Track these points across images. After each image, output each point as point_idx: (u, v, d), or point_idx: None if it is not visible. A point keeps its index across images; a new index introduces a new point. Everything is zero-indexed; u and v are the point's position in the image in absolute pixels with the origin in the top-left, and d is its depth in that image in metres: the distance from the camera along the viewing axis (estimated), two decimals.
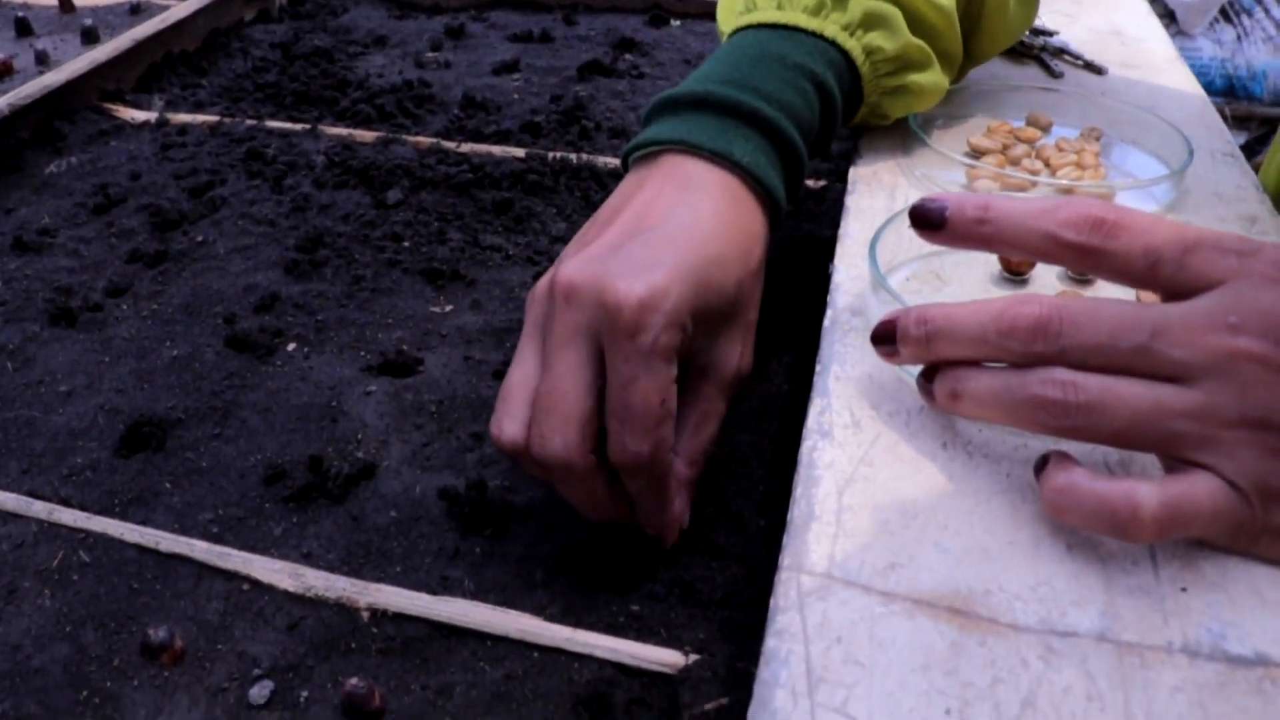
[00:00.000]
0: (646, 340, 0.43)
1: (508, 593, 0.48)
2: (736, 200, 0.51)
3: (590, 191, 0.79)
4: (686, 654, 0.45)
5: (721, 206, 0.50)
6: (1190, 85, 0.79)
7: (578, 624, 0.46)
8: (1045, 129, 0.69)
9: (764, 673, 0.34)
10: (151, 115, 0.90)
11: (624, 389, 0.44)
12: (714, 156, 0.51)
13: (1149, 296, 0.47)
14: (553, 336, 0.45)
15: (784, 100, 0.55)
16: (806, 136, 0.57)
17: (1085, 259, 0.40)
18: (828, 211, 0.76)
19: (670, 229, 0.47)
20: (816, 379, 0.47)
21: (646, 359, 0.43)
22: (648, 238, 0.47)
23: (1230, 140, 0.70)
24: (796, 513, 0.40)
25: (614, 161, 0.83)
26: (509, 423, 0.46)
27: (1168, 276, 0.39)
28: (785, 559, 0.38)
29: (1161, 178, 0.61)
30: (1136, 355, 0.38)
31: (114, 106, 0.91)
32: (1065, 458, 0.39)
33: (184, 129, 0.88)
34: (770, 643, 0.35)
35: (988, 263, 0.55)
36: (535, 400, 0.45)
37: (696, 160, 0.51)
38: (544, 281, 0.48)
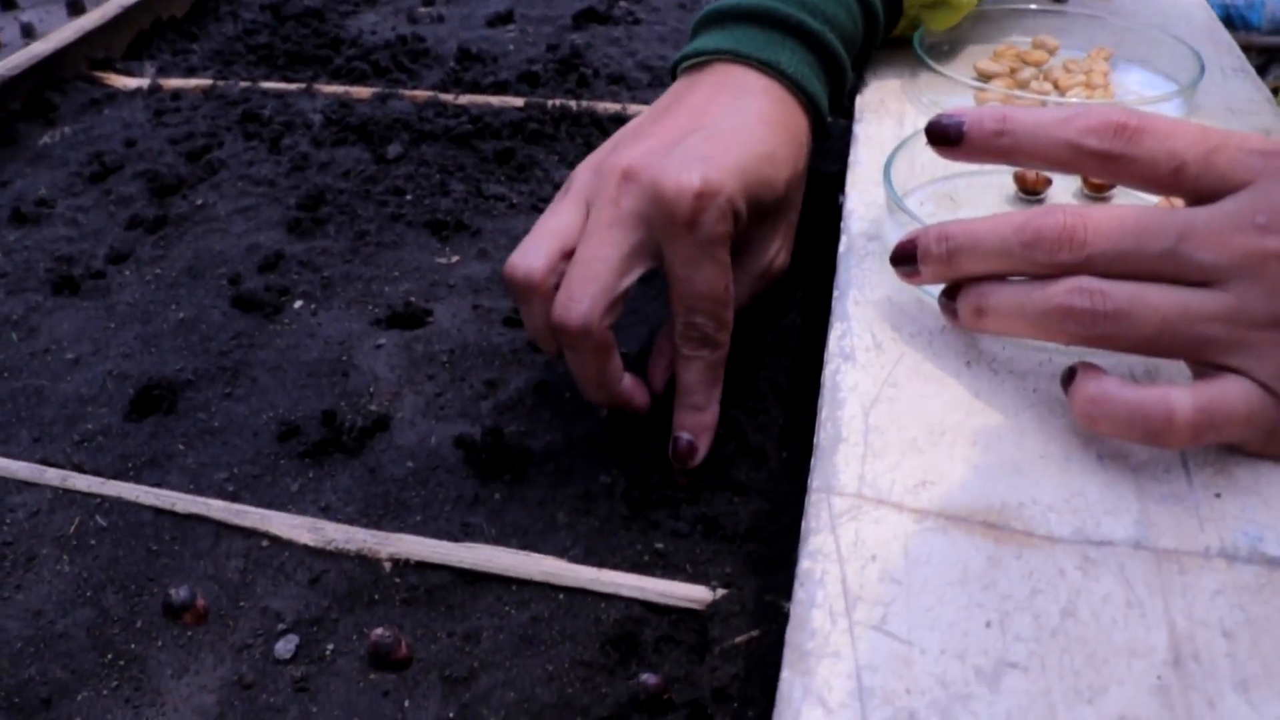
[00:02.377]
0: (704, 231, 0.45)
1: (530, 536, 0.48)
2: (783, 106, 0.53)
3: (592, 138, 0.78)
4: (714, 589, 0.44)
5: (770, 111, 0.52)
6: (1197, 3, 0.78)
7: (602, 564, 0.46)
8: (1052, 52, 0.67)
9: (800, 594, 0.34)
10: (143, 82, 0.89)
11: (689, 278, 0.46)
12: (762, 66, 0.53)
13: (1167, 206, 0.46)
14: (603, 214, 0.47)
15: (828, 14, 0.56)
16: (849, 48, 0.58)
17: (1108, 166, 0.39)
18: (832, 148, 0.75)
19: (723, 127, 0.50)
20: (835, 304, 0.47)
21: (706, 248, 0.46)
22: (702, 135, 0.49)
23: (1240, 56, 0.69)
24: (823, 435, 0.40)
25: (615, 107, 0.82)
26: (534, 256, 0.47)
27: (1192, 180, 0.38)
28: (814, 481, 0.38)
29: (1172, 93, 0.60)
30: (1163, 260, 0.37)
31: (105, 75, 0.90)
32: (1094, 368, 0.39)
33: (177, 94, 0.87)
34: (804, 564, 0.34)
35: (1003, 185, 0.54)
36: (573, 264, 0.47)
37: (745, 69, 0.53)
38: (592, 160, 0.51)
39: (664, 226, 0.46)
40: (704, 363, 0.48)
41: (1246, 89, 0.64)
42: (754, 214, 0.49)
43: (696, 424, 0.49)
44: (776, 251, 0.53)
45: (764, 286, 0.53)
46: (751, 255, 0.52)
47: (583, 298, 0.45)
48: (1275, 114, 0.61)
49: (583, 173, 0.50)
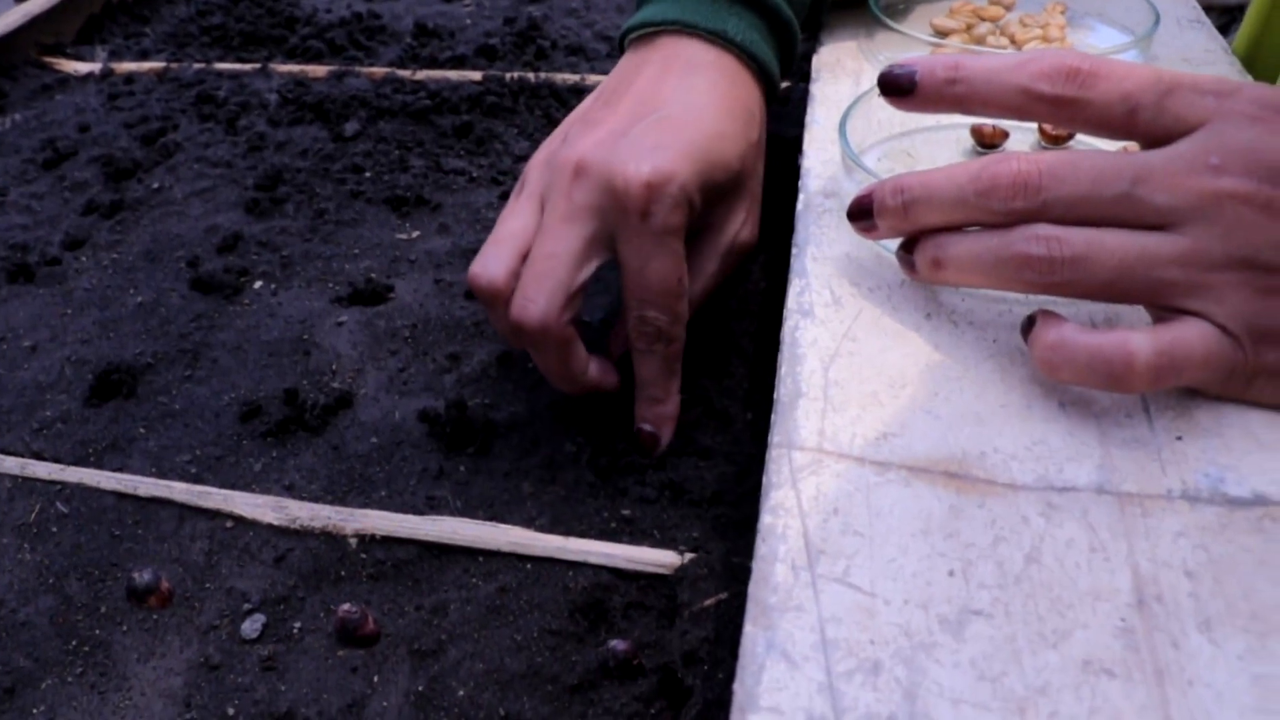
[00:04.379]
0: (657, 221, 0.45)
1: (496, 508, 0.48)
2: (733, 78, 0.52)
3: (551, 109, 0.77)
4: (681, 553, 0.44)
5: (720, 86, 0.51)
6: None
7: (569, 532, 0.46)
8: (1008, 7, 0.67)
9: (762, 549, 0.33)
10: (95, 66, 0.87)
11: (642, 269, 0.45)
12: (709, 36, 0.52)
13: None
14: (557, 209, 0.46)
15: None
16: (798, 10, 0.58)
17: (1061, 111, 0.39)
18: (792, 112, 0.74)
19: (673, 110, 0.49)
20: (793, 261, 0.46)
21: (660, 239, 0.45)
22: (652, 121, 0.48)
23: (1196, 7, 0.69)
24: (783, 391, 0.39)
25: (573, 78, 0.81)
26: (494, 264, 0.47)
27: (1146, 122, 0.38)
28: (775, 436, 0.37)
29: (1128, 44, 0.60)
30: (1119, 204, 0.37)
31: (55, 60, 0.88)
32: (1053, 315, 0.38)
33: (130, 78, 0.86)
34: (766, 519, 0.34)
35: (960, 139, 0.54)
36: (529, 263, 0.46)
37: (693, 40, 0.53)
38: (544, 153, 0.50)
39: (617, 218, 0.45)
40: (659, 357, 0.48)
41: (1201, 39, 0.64)
42: (711, 194, 0.48)
43: (657, 415, 0.49)
44: (740, 226, 0.52)
45: (734, 262, 0.52)
46: (715, 232, 0.51)
47: (538, 296, 0.45)
48: (1231, 64, 0.61)
49: (535, 168, 0.50)
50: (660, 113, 0.49)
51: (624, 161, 0.45)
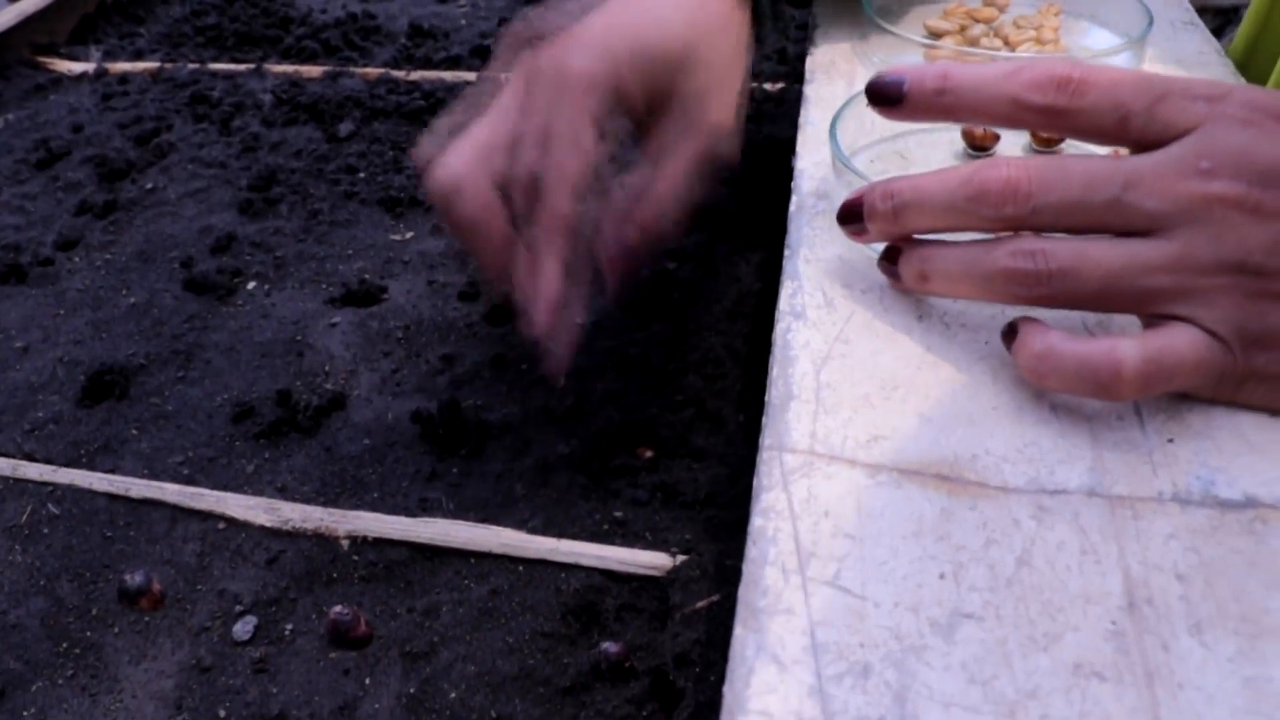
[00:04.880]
0: (571, 93, 0.45)
1: (488, 509, 0.47)
2: None
3: None
4: (674, 555, 0.44)
5: None
6: None
7: (561, 534, 0.46)
8: (1002, 8, 0.67)
9: (752, 552, 0.33)
10: (89, 66, 0.87)
11: (536, 111, 0.45)
12: None
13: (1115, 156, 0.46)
14: (499, 99, 0.47)
15: None
16: None
17: (1053, 121, 0.39)
18: (787, 113, 0.74)
19: (614, 6, 0.49)
20: (786, 263, 0.46)
21: (571, 116, 0.45)
22: (594, 13, 0.48)
23: (1189, 9, 0.69)
24: (775, 393, 0.39)
25: None
26: (452, 159, 0.47)
27: (1138, 129, 0.38)
28: (766, 439, 0.37)
29: (1121, 46, 0.60)
30: (1109, 209, 0.37)
31: (48, 60, 0.88)
32: (1036, 322, 0.38)
33: (125, 78, 0.85)
34: (757, 522, 0.34)
35: (952, 141, 0.54)
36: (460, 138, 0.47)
37: None
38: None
39: (540, 93, 0.46)
40: (538, 225, 0.45)
41: (1195, 42, 0.64)
42: (656, 79, 0.48)
43: (529, 286, 0.46)
44: (710, 107, 0.50)
45: (707, 144, 0.50)
46: (681, 111, 0.49)
47: (454, 153, 0.46)
48: (1225, 66, 0.61)
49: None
50: (604, 10, 0.49)
51: (559, 49, 0.46)
